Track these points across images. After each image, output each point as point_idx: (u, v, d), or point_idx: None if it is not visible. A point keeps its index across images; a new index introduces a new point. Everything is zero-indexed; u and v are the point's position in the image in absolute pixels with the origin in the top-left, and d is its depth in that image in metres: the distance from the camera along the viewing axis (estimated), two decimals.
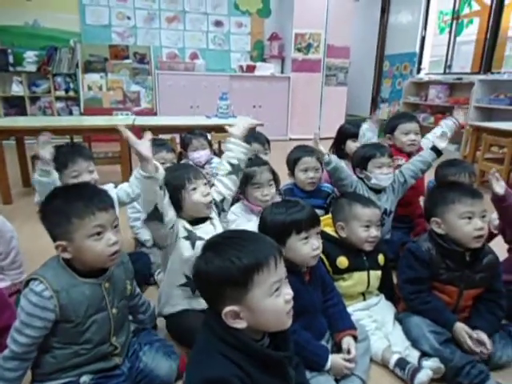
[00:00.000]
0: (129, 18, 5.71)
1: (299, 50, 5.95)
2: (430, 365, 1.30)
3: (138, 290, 1.40)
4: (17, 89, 5.26)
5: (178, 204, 1.45)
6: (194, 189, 1.46)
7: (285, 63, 6.24)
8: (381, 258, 1.58)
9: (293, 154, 2.12)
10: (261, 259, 0.82)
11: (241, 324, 0.82)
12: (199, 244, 1.42)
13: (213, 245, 0.88)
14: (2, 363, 1.05)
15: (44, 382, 1.12)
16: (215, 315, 0.84)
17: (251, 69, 5.95)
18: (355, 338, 1.34)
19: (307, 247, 1.26)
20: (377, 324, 1.49)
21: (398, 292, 1.59)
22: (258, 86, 5.90)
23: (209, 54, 6.10)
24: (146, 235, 2.09)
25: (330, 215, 1.66)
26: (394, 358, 1.35)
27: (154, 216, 1.33)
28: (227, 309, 0.81)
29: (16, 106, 5.27)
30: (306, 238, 1.26)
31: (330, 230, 1.59)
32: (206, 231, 1.46)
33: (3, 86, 5.25)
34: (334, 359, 1.24)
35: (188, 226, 1.46)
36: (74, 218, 1.05)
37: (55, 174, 1.68)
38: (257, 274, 0.81)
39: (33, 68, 5.27)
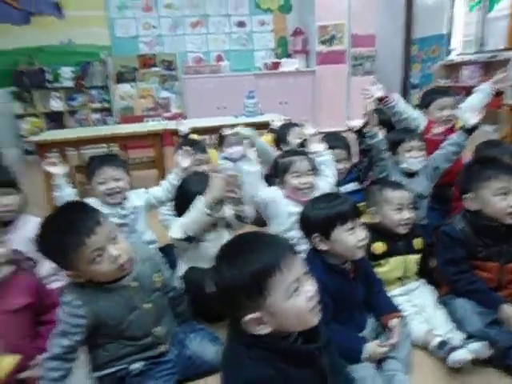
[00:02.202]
0: (154, 27, 5.89)
1: (323, 42, 5.91)
2: (475, 347, 1.28)
3: (174, 282, 1.47)
4: (56, 104, 5.57)
5: None
6: None
7: (309, 57, 6.21)
8: (417, 243, 1.57)
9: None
10: (272, 262, 0.80)
11: (265, 329, 0.81)
12: None
13: (224, 254, 0.87)
14: (45, 364, 1.13)
15: (100, 371, 1.22)
16: (238, 324, 0.82)
17: (276, 66, 5.96)
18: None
19: (353, 238, 1.25)
20: (416, 308, 1.49)
21: (436, 276, 1.58)
22: (284, 82, 5.91)
23: (233, 55, 6.18)
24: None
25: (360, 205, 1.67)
26: (435, 341, 1.34)
27: (188, 239, 1.52)
28: (248, 317, 0.80)
29: (55, 120, 5.58)
30: (352, 228, 1.26)
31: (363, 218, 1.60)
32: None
33: (43, 103, 5.57)
34: (370, 347, 1.24)
35: None
36: (69, 253, 1.07)
37: (69, 190, 1.86)
38: (270, 278, 0.79)
39: (69, 83, 5.56)
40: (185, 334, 1.37)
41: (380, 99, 2.23)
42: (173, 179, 1.90)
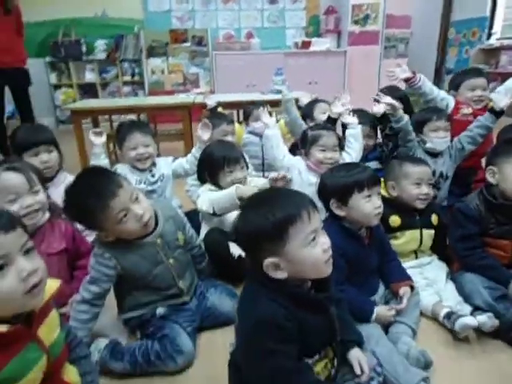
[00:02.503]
0: (187, 2, 5.91)
1: (356, 22, 5.78)
2: (483, 318, 1.32)
3: (197, 241, 1.57)
4: (89, 76, 5.74)
5: (215, 178, 1.73)
6: (231, 172, 1.72)
7: (341, 37, 6.10)
8: (434, 218, 1.61)
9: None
10: (293, 212, 0.86)
11: (282, 274, 0.88)
12: None
13: (249, 204, 0.97)
14: (76, 306, 1.25)
15: (127, 313, 1.34)
16: (257, 267, 0.89)
17: (306, 45, 5.90)
18: (412, 288, 1.39)
19: (370, 205, 1.31)
20: (428, 281, 1.54)
21: (449, 253, 1.62)
22: (314, 62, 5.85)
23: (264, 33, 6.14)
24: (196, 197, 2.28)
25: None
26: (443, 311, 1.39)
27: (214, 214, 1.64)
28: (267, 261, 0.87)
29: (89, 91, 5.76)
30: (369, 196, 1.31)
31: (383, 192, 1.64)
32: None
33: (78, 74, 5.75)
34: (379, 310, 1.31)
35: None
36: (96, 216, 1.15)
37: (105, 160, 2.00)
38: (291, 227, 0.86)
39: (103, 56, 5.70)
40: (205, 287, 1.47)
41: (406, 80, 2.22)
42: (196, 152, 1.99)
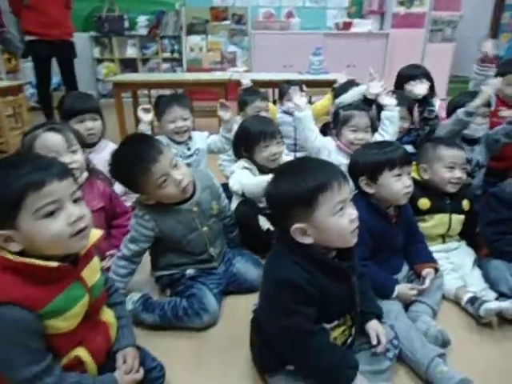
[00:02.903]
0: None
1: (402, 3, 5.55)
2: (508, 304, 1.31)
3: (229, 212, 1.63)
4: (131, 51, 5.87)
5: (251, 153, 1.75)
6: (266, 146, 1.73)
7: (384, 19, 5.88)
8: (466, 204, 1.59)
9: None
10: (324, 181, 0.90)
11: (308, 240, 0.92)
12: None
13: (282, 171, 1.01)
14: (116, 261, 1.36)
15: (159, 271, 1.43)
16: (285, 232, 0.94)
17: (347, 26, 5.74)
18: (436, 270, 1.40)
19: (399, 184, 1.32)
20: (453, 266, 1.54)
21: (479, 239, 1.60)
22: (354, 44, 5.69)
23: (304, 12, 6.02)
24: (228, 172, 2.34)
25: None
26: (467, 296, 1.39)
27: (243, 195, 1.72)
28: (295, 226, 0.91)
29: (130, 66, 5.90)
30: (399, 175, 1.32)
31: (415, 176, 1.63)
32: None
33: (120, 49, 5.89)
34: (400, 288, 1.33)
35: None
36: (138, 180, 1.23)
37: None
38: (321, 195, 0.89)
39: (144, 32, 5.80)
40: (232, 255, 1.54)
41: None
42: (223, 131, 2.06)
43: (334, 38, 5.70)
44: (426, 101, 2.08)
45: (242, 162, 1.80)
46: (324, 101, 2.71)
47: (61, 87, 4.97)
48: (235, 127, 2.42)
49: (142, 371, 0.95)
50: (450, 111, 1.94)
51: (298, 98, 2.00)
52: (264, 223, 1.63)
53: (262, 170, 1.76)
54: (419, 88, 2.06)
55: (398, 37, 5.64)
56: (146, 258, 1.45)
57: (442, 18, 5.65)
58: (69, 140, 1.41)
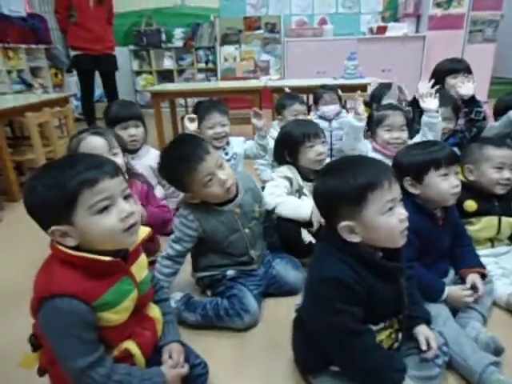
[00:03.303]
0: None
1: (439, 4, 5.42)
2: None
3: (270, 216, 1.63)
4: (167, 63, 6.09)
5: (295, 156, 1.70)
6: (312, 147, 1.68)
7: (420, 21, 5.77)
8: None
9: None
10: (374, 179, 0.88)
11: (355, 238, 0.91)
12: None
13: (330, 168, 0.99)
14: (160, 260, 1.39)
15: (200, 272, 1.46)
16: (332, 229, 0.94)
17: (382, 30, 5.67)
18: (483, 276, 1.33)
19: (446, 184, 1.27)
20: (504, 271, 1.46)
21: None
22: (389, 48, 5.61)
23: (337, 19, 6.01)
24: (265, 176, 2.37)
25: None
26: None
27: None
28: (343, 224, 0.90)
29: (166, 78, 6.11)
30: (446, 174, 1.27)
31: (460, 178, 1.58)
32: None
33: (157, 61, 6.12)
34: (452, 290, 1.27)
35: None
36: (184, 178, 1.27)
37: None
38: (370, 193, 0.87)
39: (180, 44, 6.00)
40: (272, 257, 1.54)
41: None
42: (258, 139, 2.09)
43: (368, 43, 5.65)
44: (473, 101, 2.00)
45: (284, 169, 1.73)
46: None
47: (103, 99, 5.21)
48: (272, 132, 2.45)
49: (187, 366, 0.97)
50: (498, 112, 1.86)
51: (362, 107, 1.93)
52: (306, 236, 1.59)
53: (307, 177, 1.72)
54: (466, 87, 1.99)
55: (435, 39, 5.51)
56: (187, 259, 1.47)
57: (482, 18, 5.46)
58: (110, 143, 1.48)
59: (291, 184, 1.69)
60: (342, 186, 0.90)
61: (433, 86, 1.92)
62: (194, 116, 2.11)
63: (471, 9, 5.41)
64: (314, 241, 1.57)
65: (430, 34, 5.53)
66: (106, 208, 0.82)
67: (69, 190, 0.78)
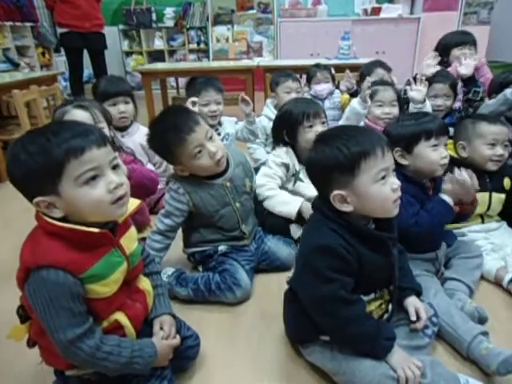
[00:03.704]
0: None
1: None
2: None
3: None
4: (158, 43, 5.95)
5: (294, 136, 1.65)
6: (311, 127, 1.61)
7: (415, 3, 5.68)
8: (507, 182, 1.52)
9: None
10: (367, 148, 0.88)
11: (347, 208, 0.91)
12: None
13: (323, 137, 0.98)
14: (151, 235, 1.38)
15: (192, 248, 1.45)
16: (324, 199, 0.94)
17: (376, 11, 5.59)
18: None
19: (436, 154, 1.27)
20: (493, 246, 1.48)
21: None
22: (383, 29, 5.54)
23: None
24: (258, 155, 2.34)
25: (450, 141, 1.64)
26: (508, 276, 1.34)
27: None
28: (335, 192, 0.90)
29: (157, 58, 5.97)
30: (436, 145, 1.27)
31: (452, 154, 1.57)
32: None
33: (147, 41, 5.98)
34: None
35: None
36: (174, 149, 1.25)
37: None
38: (363, 161, 0.87)
39: (171, 23, 5.86)
40: (264, 233, 1.54)
41: None
42: (246, 123, 2.05)
43: (363, 24, 5.57)
44: (472, 81, 1.99)
45: (281, 153, 1.67)
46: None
47: (92, 80, 5.11)
48: (265, 110, 2.41)
49: (178, 338, 0.97)
50: (493, 90, 1.85)
51: (368, 91, 1.81)
52: (295, 232, 1.58)
53: (304, 160, 1.67)
54: (467, 66, 1.97)
55: (429, 21, 5.45)
56: (179, 235, 1.46)
57: (477, 0, 5.40)
58: (95, 117, 1.45)
59: (287, 170, 1.66)
60: (334, 154, 0.89)
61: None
62: (196, 99, 2.02)
63: None
64: None
65: (425, 15, 5.46)
66: (93, 178, 0.79)
67: (54, 158, 0.75)
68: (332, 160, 0.89)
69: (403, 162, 1.30)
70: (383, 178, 0.90)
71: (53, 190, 0.77)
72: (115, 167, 0.85)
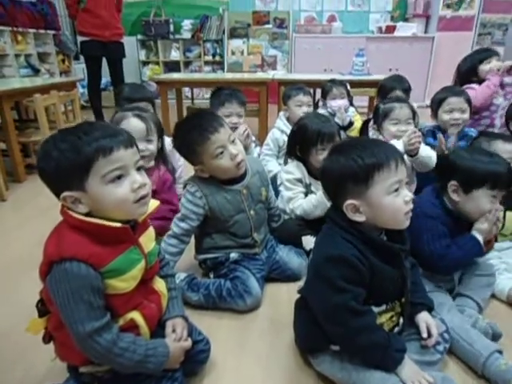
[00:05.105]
0: None
1: (449, 6, 5.41)
2: None
3: (276, 203, 1.64)
4: (175, 54, 6.08)
5: (305, 153, 1.67)
6: (323, 150, 1.61)
7: (430, 22, 5.75)
8: None
9: (438, 94, 2.04)
10: (382, 159, 0.89)
11: (360, 218, 0.92)
12: None
13: (338, 148, 1.00)
14: (166, 239, 1.39)
15: (204, 254, 1.46)
16: (337, 209, 0.96)
17: (390, 29, 5.66)
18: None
19: (491, 206, 1.18)
20: (507, 266, 1.47)
21: None
22: (397, 47, 5.60)
23: (347, 16, 6.00)
24: (270, 166, 2.30)
25: None
26: None
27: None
28: (348, 202, 0.91)
29: (173, 69, 6.10)
30: (495, 197, 1.19)
31: None
32: None
33: (164, 52, 6.12)
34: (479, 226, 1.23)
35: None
36: (197, 147, 1.28)
37: None
38: (377, 173, 0.89)
39: (188, 35, 5.99)
40: (276, 243, 1.55)
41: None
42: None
43: (377, 42, 5.64)
44: None
45: (293, 169, 1.68)
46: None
47: (109, 87, 5.22)
48: (278, 123, 2.43)
49: (190, 340, 0.98)
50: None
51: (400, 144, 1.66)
52: (307, 244, 1.57)
53: (314, 175, 1.67)
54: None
55: (444, 40, 5.51)
56: (191, 241, 1.48)
57: (492, 21, 5.45)
58: (149, 129, 1.53)
59: (302, 183, 1.68)
60: (349, 165, 0.90)
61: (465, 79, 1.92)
62: None
63: (481, 11, 5.39)
64: None
65: (439, 34, 5.52)
66: (118, 177, 0.83)
67: (84, 155, 0.78)
68: (347, 170, 0.91)
69: (454, 197, 1.22)
70: (396, 190, 0.91)
71: (80, 186, 0.80)
72: (139, 168, 0.88)
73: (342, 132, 2.04)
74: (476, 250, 1.23)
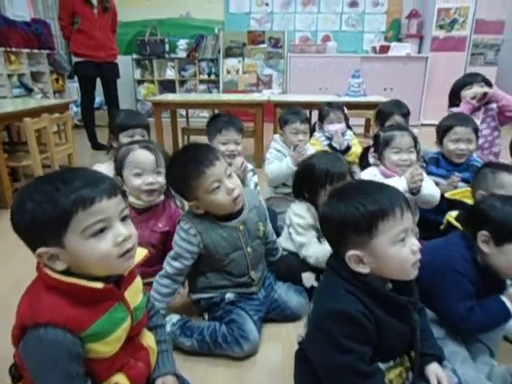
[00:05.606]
0: (267, 5, 6.01)
1: (441, 26, 5.47)
2: None
3: (274, 236, 1.57)
4: (170, 73, 6.07)
5: (314, 194, 1.53)
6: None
7: (423, 43, 5.81)
8: None
9: (445, 121, 1.97)
10: (386, 207, 0.82)
11: (364, 269, 0.85)
12: None
13: (338, 192, 0.92)
14: (158, 279, 1.31)
15: (198, 294, 1.37)
16: (339, 258, 0.87)
17: (385, 49, 5.70)
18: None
19: None
20: None
21: None
22: (391, 67, 5.63)
23: (341, 36, 6.04)
24: (273, 167, 2.19)
25: (468, 188, 1.60)
26: None
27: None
28: (350, 252, 0.84)
29: (168, 88, 6.08)
30: None
31: (469, 202, 1.52)
32: None
33: (159, 71, 6.11)
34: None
35: None
36: (191, 182, 1.21)
37: None
38: (381, 222, 0.82)
39: (183, 54, 6.00)
40: (274, 279, 1.47)
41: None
42: None
43: (371, 62, 5.67)
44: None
45: (302, 212, 1.53)
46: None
47: (102, 107, 5.18)
48: (273, 144, 2.34)
49: None
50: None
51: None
52: (307, 281, 1.49)
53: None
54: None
55: (437, 60, 5.55)
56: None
57: (484, 42, 5.51)
58: (158, 161, 1.44)
59: (313, 229, 1.55)
60: (350, 213, 0.83)
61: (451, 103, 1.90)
62: None
63: (473, 32, 5.45)
64: (315, 284, 1.47)
65: (433, 55, 5.56)
66: (101, 231, 0.75)
67: (62, 208, 0.71)
68: (348, 218, 0.84)
69: (484, 248, 1.10)
70: (403, 239, 0.84)
71: (57, 242, 0.73)
72: (124, 218, 0.80)
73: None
74: (502, 315, 1.12)
